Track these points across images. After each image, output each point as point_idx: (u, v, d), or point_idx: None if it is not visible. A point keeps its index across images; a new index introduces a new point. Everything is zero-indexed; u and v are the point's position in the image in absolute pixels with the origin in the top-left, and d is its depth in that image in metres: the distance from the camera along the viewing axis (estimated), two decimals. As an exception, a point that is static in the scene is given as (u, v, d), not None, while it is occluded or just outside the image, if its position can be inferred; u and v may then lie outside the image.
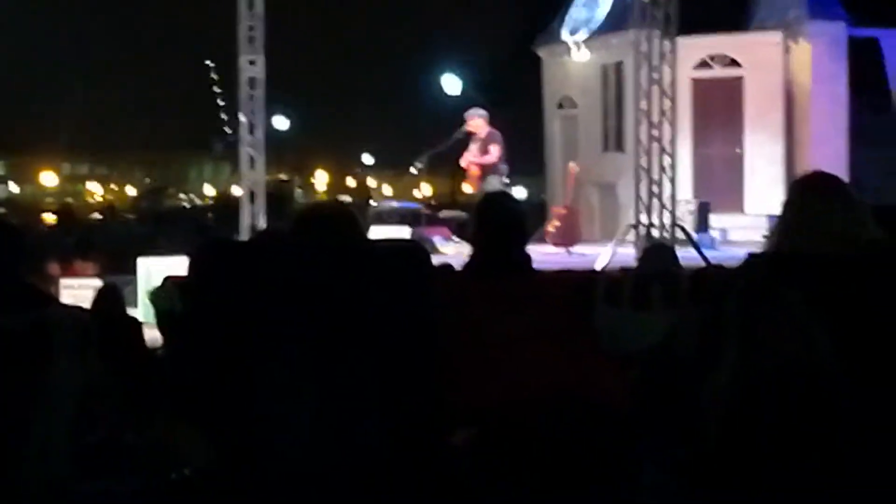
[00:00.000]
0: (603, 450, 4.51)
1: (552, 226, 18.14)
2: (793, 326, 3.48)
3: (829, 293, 3.57)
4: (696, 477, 3.74)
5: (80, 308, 4.78)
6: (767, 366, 3.47)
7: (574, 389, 4.63)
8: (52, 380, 4.12)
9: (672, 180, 15.62)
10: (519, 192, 48.52)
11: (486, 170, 16.11)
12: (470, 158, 16.19)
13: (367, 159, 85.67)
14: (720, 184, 20.71)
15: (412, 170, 18.87)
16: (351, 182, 79.97)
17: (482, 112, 16.57)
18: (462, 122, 16.59)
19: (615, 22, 21.37)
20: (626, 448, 4.49)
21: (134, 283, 15.19)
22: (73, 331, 4.22)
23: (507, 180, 16.45)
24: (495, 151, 16.05)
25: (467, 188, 16.82)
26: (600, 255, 14.82)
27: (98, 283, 12.66)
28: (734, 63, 21.04)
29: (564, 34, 22.75)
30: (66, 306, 4.55)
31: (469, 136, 16.42)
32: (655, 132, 15.57)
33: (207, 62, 73.85)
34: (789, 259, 3.74)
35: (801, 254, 3.74)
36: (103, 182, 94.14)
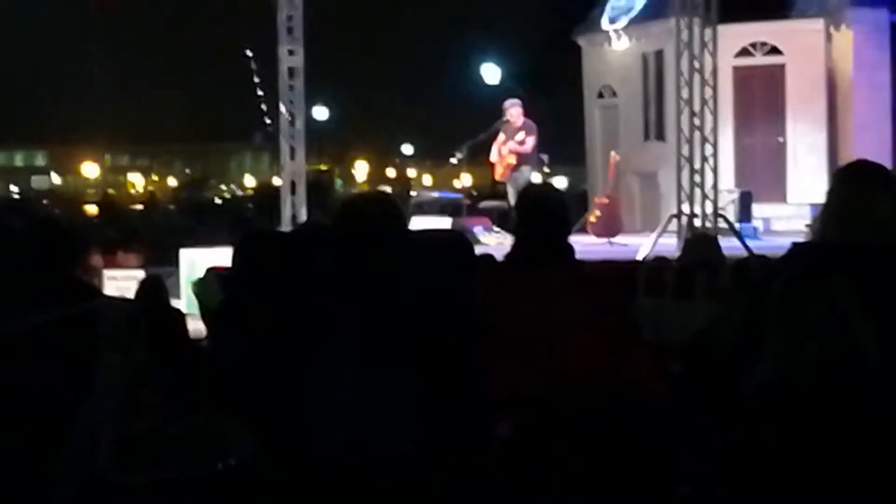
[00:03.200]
0: (644, 439, 4.51)
1: (593, 216, 18.10)
2: (837, 317, 3.46)
3: (874, 283, 3.54)
4: (736, 466, 3.73)
5: (125, 299, 4.81)
6: (811, 356, 3.45)
7: (616, 379, 4.64)
8: (98, 371, 4.14)
9: (714, 170, 15.55)
10: (560, 182, 48.50)
11: (521, 160, 16.15)
12: (503, 148, 16.23)
13: (407, 149, 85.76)
14: (762, 173, 20.62)
15: (452, 160, 18.89)
16: (391, 172, 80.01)
17: (517, 101, 16.63)
18: (502, 111, 16.64)
19: (655, 10, 21.30)
20: (667, 437, 4.49)
21: (177, 274, 15.26)
22: (118, 323, 4.24)
23: (548, 170, 16.46)
24: (530, 142, 16.11)
25: (499, 178, 16.82)
26: (642, 246, 14.78)
27: (141, 274, 12.72)
28: (775, 51, 20.93)
29: (604, 22, 22.71)
30: (111, 298, 4.57)
31: (504, 126, 16.48)
32: (697, 121, 15.50)
33: (247, 52, 74.01)
34: (834, 249, 3.71)
35: (846, 244, 3.71)
36: (144, 173, 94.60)
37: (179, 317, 7.49)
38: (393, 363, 3.96)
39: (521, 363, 4.57)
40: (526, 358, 4.59)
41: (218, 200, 52.53)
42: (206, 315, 5.75)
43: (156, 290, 8.11)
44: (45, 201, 51.10)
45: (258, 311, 4.34)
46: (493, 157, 16.47)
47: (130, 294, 7.94)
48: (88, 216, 35.09)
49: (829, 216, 3.88)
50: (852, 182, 3.91)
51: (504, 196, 18.17)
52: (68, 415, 4.10)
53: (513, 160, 16.19)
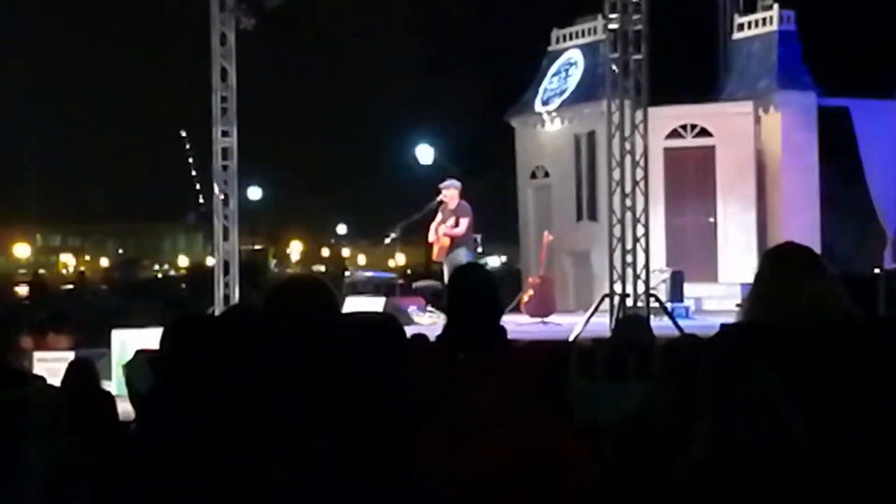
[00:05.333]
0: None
1: (527, 295, 18.19)
2: (764, 398, 3.48)
3: (801, 365, 3.57)
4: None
5: (51, 386, 4.75)
6: (740, 439, 3.47)
7: (548, 462, 4.62)
8: (23, 459, 4.09)
9: (646, 250, 15.67)
10: (493, 262, 48.63)
11: (455, 242, 16.20)
12: (439, 230, 16.31)
13: (341, 229, 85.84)
14: (694, 253, 20.79)
15: (386, 240, 18.94)
16: (325, 252, 79.99)
17: (456, 183, 16.72)
18: (437, 192, 16.71)
19: (587, 92, 21.54)
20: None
21: (108, 355, 15.15)
22: (45, 411, 4.19)
23: (481, 250, 16.55)
24: (464, 224, 16.20)
25: (436, 258, 16.89)
26: (575, 326, 14.84)
27: (72, 356, 12.59)
28: (705, 132, 21.20)
29: (537, 104, 22.91)
30: (38, 385, 4.51)
31: (439, 207, 16.54)
32: (628, 201, 15.64)
33: (181, 133, 74.00)
34: (761, 331, 3.74)
35: (773, 326, 3.74)
36: (76, 253, 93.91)
37: (109, 400, 7.42)
38: (323, 448, 3.93)
39: (452, 445, 4.55)
40: (457, 440, 4.58)
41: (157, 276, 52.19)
42: (134, 398, 5.70)
43: (85, 373, 8.05)
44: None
45: (187, 394, 4.30)
46: (431, 237, 16.53)
47: (60, 376, 7.86)
48: (19, 297, 34.72)
49: (756, 298, 3.91)
50: (780, 264, 3.95)
51: (438, 276, 18.22)
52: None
53: (447, 242, 16.25)
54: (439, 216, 16.45)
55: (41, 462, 4.11)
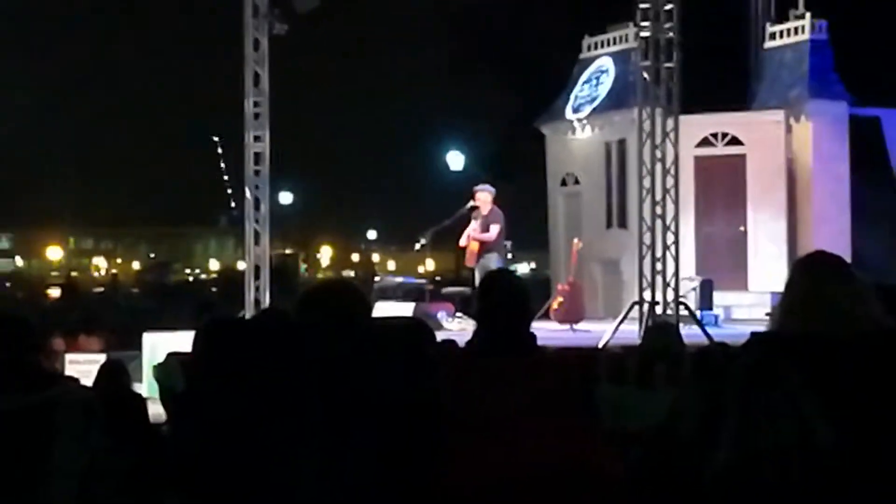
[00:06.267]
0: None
1: (556, 303, 18.18)
2: (791, 409, 3.49)
3: (830, 374, 3.58)
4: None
5: (83, 387, 4.79)
6: (764, 448, 3.48)
7: (573, 469, 4.64)
8: (55, 461, 4.13)
9: (675, 258, 15.65)
10: (523, 268, 48.61)
11: (485, 247, 16.20)
12: (470, 234, 16.33)
13: (372, 234, 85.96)
14: (724, 261, 20.74)
15: (416, 245, 18.96)
16: (355, 257, 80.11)
17: (490, 189, 16.72)
18: (468, 197, 16.72)
19: (618, 100, 21.53)
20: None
21: (139, 358, 15.22)
22: (76, 411, 4.23)
23: (511, 255, 16.53)
24: (494, 230, 16.19)
25: (467, 264, 16.91)
26: (604, 333, 14.83)
27: (103, 358, 12.67)
28: (736, 141, 21.15)
29: (568, 112, 22.91)
30: (69, 386, 4.55)
31: (472, 212, 16.55)
32: (659, 209, 15.62)
33: (214, 137, 74.25)
34: (791, 340, 3.75)
35: (803, 335, 3.76)
36: (108, 256, 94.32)
37: (140, 402, 7.46)
38: (353, 452, 3.96)
39: (481, 451, 4.57)
40: (483, 445, 4.59)
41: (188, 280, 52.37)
42: (166, 400, 5.74)
43: (116, 375, 8.09)
44: (7, 284, 50.86)
45: (219, 397, 4.34)
46: (463, 241, 16.55)
47: (92, 378, 7.91)
48: (51, 300, 34.92)
49: (787, 307, 3.92)
50: (811, 273, 3.96)
51: (467, 282, 18.22)
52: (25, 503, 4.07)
53: (475, 247, 16.26)
54: (473, 222, 16.47)
55: (74, 462, 4.15)
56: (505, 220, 16.44)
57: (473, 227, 16.39)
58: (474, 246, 16.28)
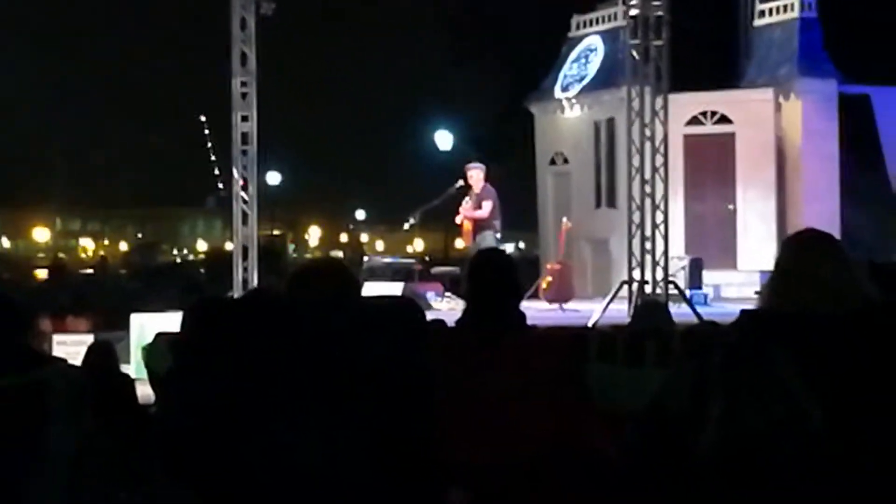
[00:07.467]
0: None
1: (545, 282, 18.19)
2: (778, 386, 3.48)
3: (820, 353, 3.57)
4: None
5: (73, 367, 4.77)
6: (752, 425, 3.47)
7: (564, 447, 4.63)
8: (47, 441, 4.11)
9: (665, 237, 15.64)
10: (511, 248, 48.63)
11: (479, 225, 16.19)
12: (463, 212, 16.32)
13: (360, 214, 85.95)
14: (713, 240, 20.78)
15: (405, 225, 18.96)
16: (344, 237, 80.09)
17: (480, 166, 16.70)
18: (458, 177, 16.72)
19: (607, 78, 21.51)
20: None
21: (127, 339, 15.20)
22: (67, 391, 4.21)
23: (499, 236, 16.51)
24: (487, 207, 16.16)
25: (460, 243, 16.91)
26: (593, 312, 14.84)
27: (91, 339, 12.65)
28: (725, 119, 21.15)
29: (557, 90, 22.89)
30: (59, 366, 4.54)
31: (465, 191, 16.55)
32: (648, 188, 15.61)
33: (201, 117, 74.11)
34: (780, 317, 3.74)
35: (793, 312, 3.74)
36: (96, 238, 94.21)
37: (128, 382, 7.44)
38: (343, 431, 3.95)
39: (469, 429, 4.56)
40: (475, 424, 4.59)
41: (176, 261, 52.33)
42: (154, 381, 5.73)
43: (105, 356, 8.07)
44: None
45: (207, 377, 4.32)
46: (459, 220, 16.55)
47: (79, 359, 7.89)
48: (38, 280, 34.86)
49: (776, 284, 3.91)
50: (800, 251, 3.94)
51: (456, 262, 18.22)
52: (17, 485, 4.05)
53: (469, 226, 16.25)
54: (466, 201, 16.45)
55: (66, 443, 4.13)
56: (497, 196, 16.43)
57: (466, 206, 16.37)
58: (468, 225, 16.27)
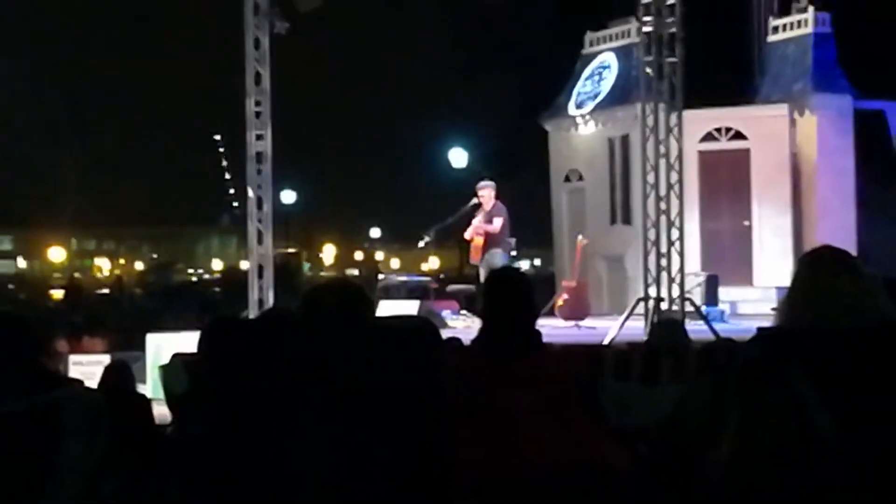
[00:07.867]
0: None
1: (561, 299, 18.16)
2: (793, 402, 3.47)
3: (837, 370, 3.56)
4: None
5: (89, 389, 4.77)
6: (766, 442, 3.46)
7: (580, 465, 4.62)
8: (62, 462, 4.11)
9: (680, 253, 15.60)
10: (526, 265, 48.60)
11: (489, 242, 16.19)
12: (474, 228, 16.33)
13: (375, 232, 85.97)
14: (729, 256, 20.71)
15: (420, 243, 18.95)
16: (359, 255, 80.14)
17: (491, 184, 16.72)
18: (471, 195, 16.73)
19: (621, 95, 21.50)
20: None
21: (143, 359, 15.20)
22: (82, 412, 4.22)
23: (515, 252, 16.50)
24: (497, 223, 16.17)
25: (472, 260, 16.91)
26: (609, 329, 14.80)
27: (107, 359, 12.66)
28: (740, 136, 21.11)
29: (571, 107, 22.89)
30: (75, 387, 4.54)
31: (475, 210, 16.56)
32: (663, 205, 15.58)
33: (215, 136, 74.29)
34: (797, 334, 3.73)
35: (809, 328, 3.73)
36: (111, 257, 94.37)
37: (144, 402, 7.44)
38: (359, 450, 3.94)
39: (485, 447, 4.56)
40: (490, 442, 4.58)
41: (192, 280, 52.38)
42: (171, 401, 5.72)
43: (121, 376, 8.07)
44: (10, 286, 50.87)
45: (223, 397, 4.32)
46: (468, 235, 16.55)
47: (96, 379, 7.89)
48: (54, 301, 34.91)
49: (793, 301, 3.90)
50: (816, 267, 3.94)
51: (471, 279, 18.20)
52: (31, 504, 4.06)
53: (480, 242, 16.25)
54: (477, 219, 16.45)
55: (81, 464, 4.13)
56: (508, 213, 16.43)
57: (477, 223, 16.37)
58: (478, 241, 16.26)
